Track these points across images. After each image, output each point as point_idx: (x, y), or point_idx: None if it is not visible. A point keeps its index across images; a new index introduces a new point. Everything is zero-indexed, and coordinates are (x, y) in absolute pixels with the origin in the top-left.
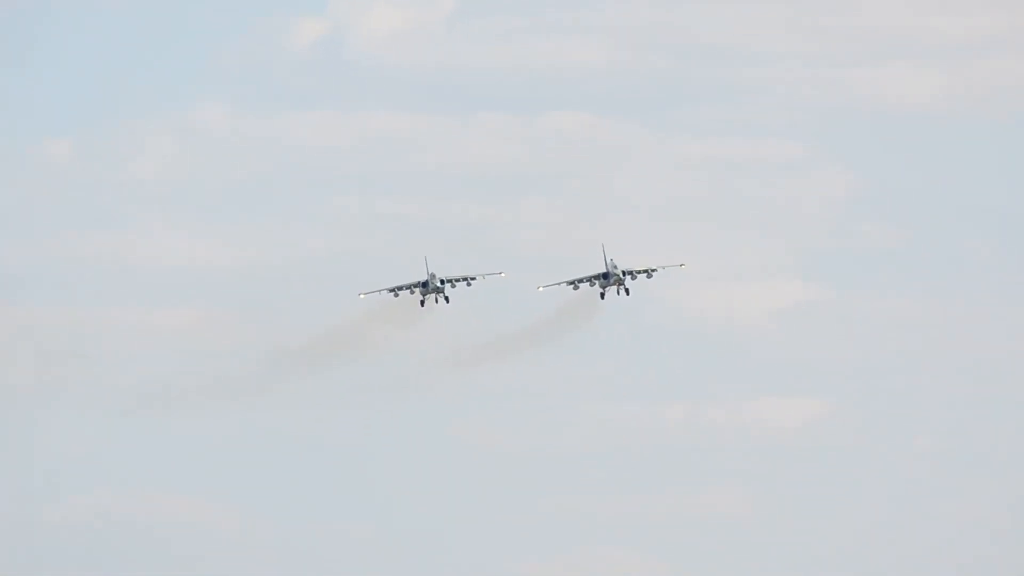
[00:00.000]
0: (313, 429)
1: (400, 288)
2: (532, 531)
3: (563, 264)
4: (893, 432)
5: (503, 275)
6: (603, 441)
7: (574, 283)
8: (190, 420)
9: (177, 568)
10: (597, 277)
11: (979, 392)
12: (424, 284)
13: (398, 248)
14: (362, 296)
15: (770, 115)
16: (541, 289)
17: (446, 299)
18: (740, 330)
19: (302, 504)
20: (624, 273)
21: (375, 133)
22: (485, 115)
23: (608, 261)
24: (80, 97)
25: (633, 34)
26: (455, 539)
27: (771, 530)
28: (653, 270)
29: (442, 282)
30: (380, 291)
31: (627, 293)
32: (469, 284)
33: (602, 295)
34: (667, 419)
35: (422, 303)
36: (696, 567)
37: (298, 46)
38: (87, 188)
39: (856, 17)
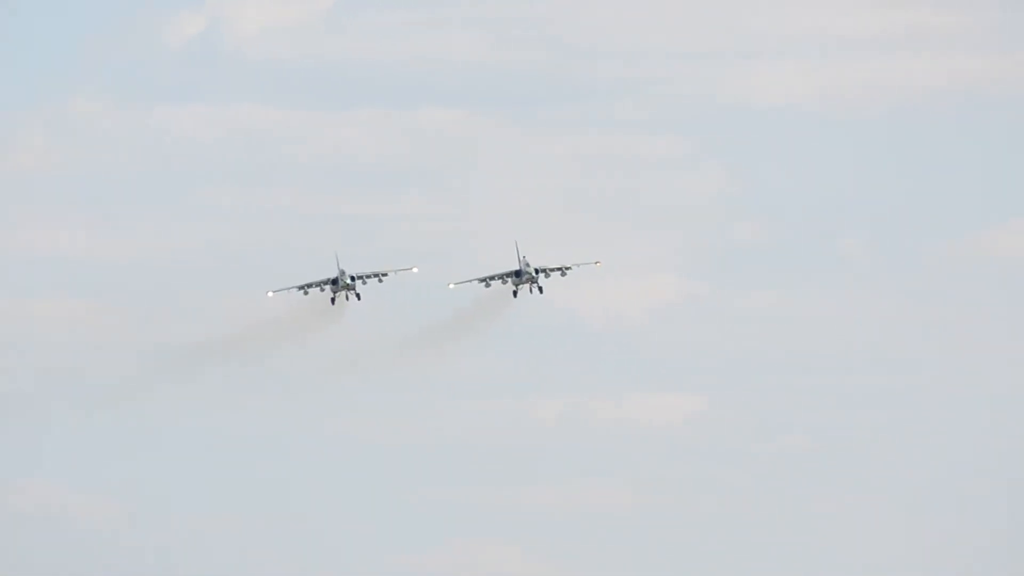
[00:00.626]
0: (207, 426)
1: (310, 285)
2: (414, 524)
3: (458, 260)
4: (769, 428)
5: (415, 271)
6: (491, 437)
7: (486, 280)
8: (83, 415)
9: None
10: (509, 275)
11: (855, 386)
12: (334, 281)
13: (293, 243)
14: (271, 294)
15: (649, 112)
16: (452, 286)
17: (357, 296)
18: (638, 327)
19: (183, 502)
20: (537, 271)
21: (252, 126)
22: (364, 110)
23: (521, 258)
24: None
25: (509, 29)
26: (344, 534)
27: (649, 526)
28: (568, 268)
29: (352, 279)
30: (290, 288)
31: (540, 291)
32: (381, 280)
33: (514, 293)
34: (551, 415)
35: (333, 300)
36: (574, 563)
37: (178, 39)
38: None
39: (734, 14)
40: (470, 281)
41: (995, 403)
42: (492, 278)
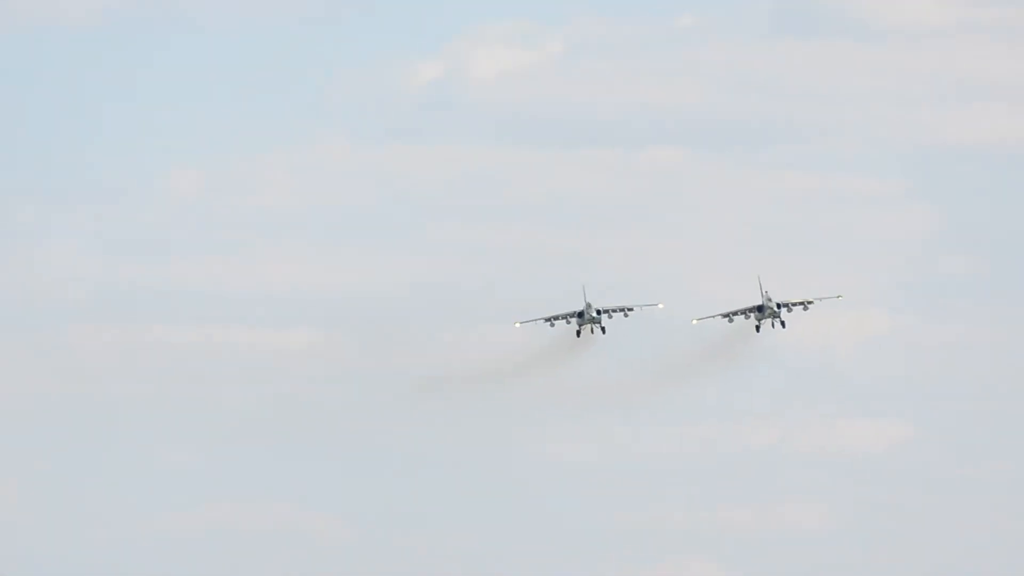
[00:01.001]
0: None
1: (556, 317)
2: (636, 541)
3: (704, 295)
4: (976, 457)
5: (660, 306)
6: (705, 461)
7: (729, 315)
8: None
9: None
10: (752, 309)
11: None
12: (580, 314)
13: (530, 277)
14: (518, 325)
15: (864, 153)
16: (695, 322)
17: (602, 329)
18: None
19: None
20: (779, 305)
21: (486, 166)
22: (587, 151)
23: (763, 293)
24: (207, 130)
25: (729, 75)
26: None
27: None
28: (810, 302)
29: (598, 312)
30: (536, 320)
31: (783, 326)
32: (626, 315)
33: (757, 328)
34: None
35: (578, 333)
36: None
37: (418, 83)
38: (213, 217)
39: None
40: (713, 317)
41: None
42: (735, 313)
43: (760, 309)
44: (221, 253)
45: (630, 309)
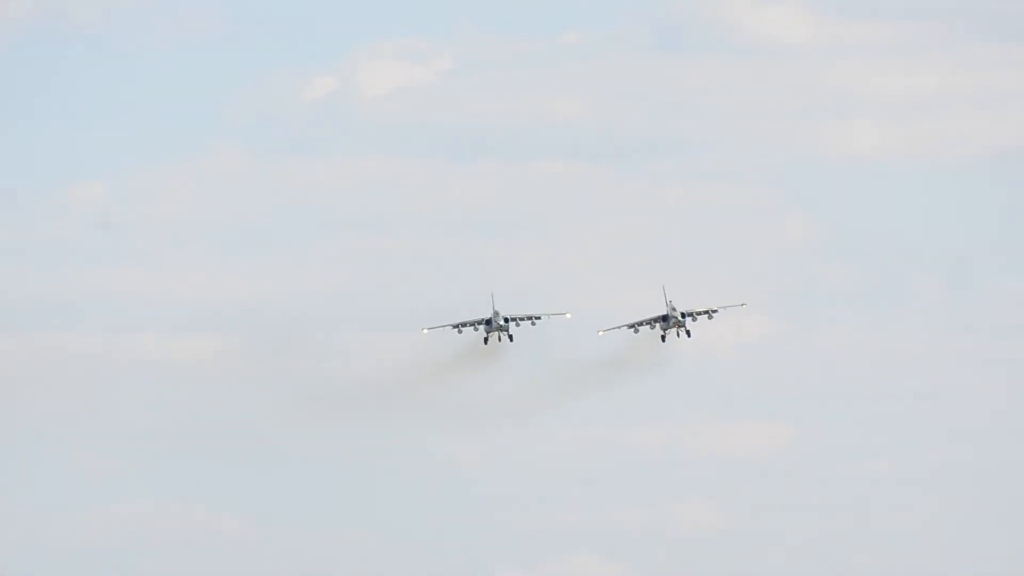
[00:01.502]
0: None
1: (464, 324)
2: (528, 541)
3: (610, 306)
4: (851, 455)
5: (568, 315)
6: (593, 463)
7: (634, 326)
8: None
9: None
10: (657, 319)
11: (930, 416)
12: (488, 321)
13: (425, 285)
14: (425, 331)
15: (745, 164)
16: (601, 333)
17: (510, 337)
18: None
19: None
20: (684, 315)
21: (379, 176)
22: (476, 163)
23: (668, 303)
24: (111, 141)
25: (611, 89)
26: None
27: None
28: (714, 311)
29: (506, 320)
30: (444, 327)
31: (688, 335)
32: (533, 323)
33: (663, 337)
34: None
35: (486, 340)
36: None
37: (313, 97)
38: (116, 225)
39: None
40: (619, 327)
41: None
42: (640, 324)
43: (665, 319)
44: (122, 262)
45: (537, 317)
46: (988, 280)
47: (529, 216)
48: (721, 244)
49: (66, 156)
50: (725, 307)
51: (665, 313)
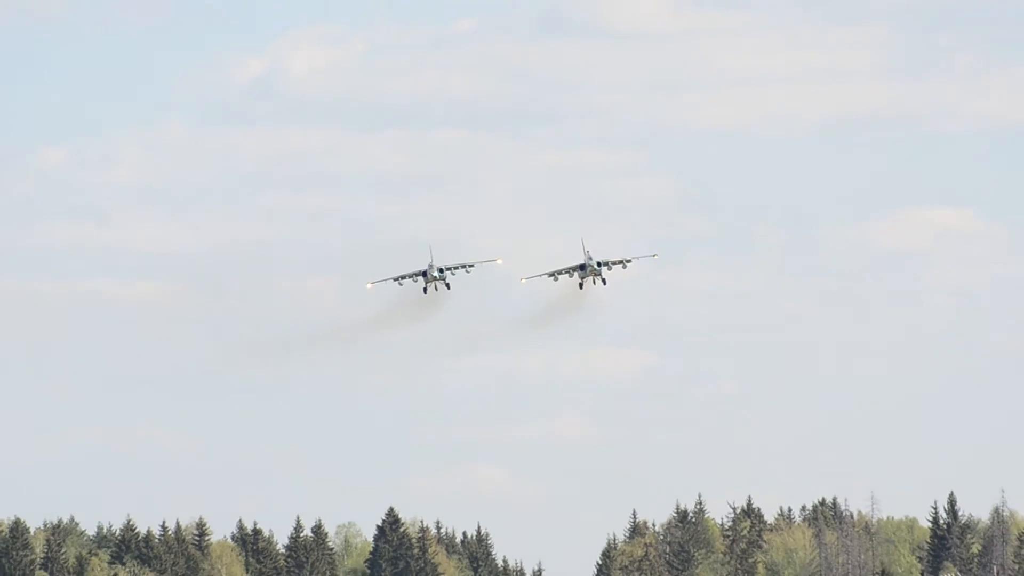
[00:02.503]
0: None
1: (404, 276)
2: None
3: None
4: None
5: (499, 261)
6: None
7: (554, 274)
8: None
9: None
10: (575, 268)
11: (768, 342)
12: (424, 273)
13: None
14: (370, 286)
15: (611, 132)
16: (524, 281)
17: (447, 285)
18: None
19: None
20: (599, 264)
21: (301, 145)
22: (387, 132)
23: (585, 253)
24: (72, 114)
25: (500, 68)
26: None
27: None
28: (628, 260)
29: (441, 271)
30: (386, 280)
31: (604, 283)
32: (468, 271)
33: (580, 285)
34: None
35: (425, 290)
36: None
37: (245, 78)
38: (75, 186)
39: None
40: (540, 276)
41: (869, 355)
42: (560, 272)
43: (582, 268)
44: (82, 218)
45: (471, 265)
46: (823, 230)
47: (435, 178)
48: (593, 200)
49: (32, 126)
50: (638, 257)
51: (582, 262)
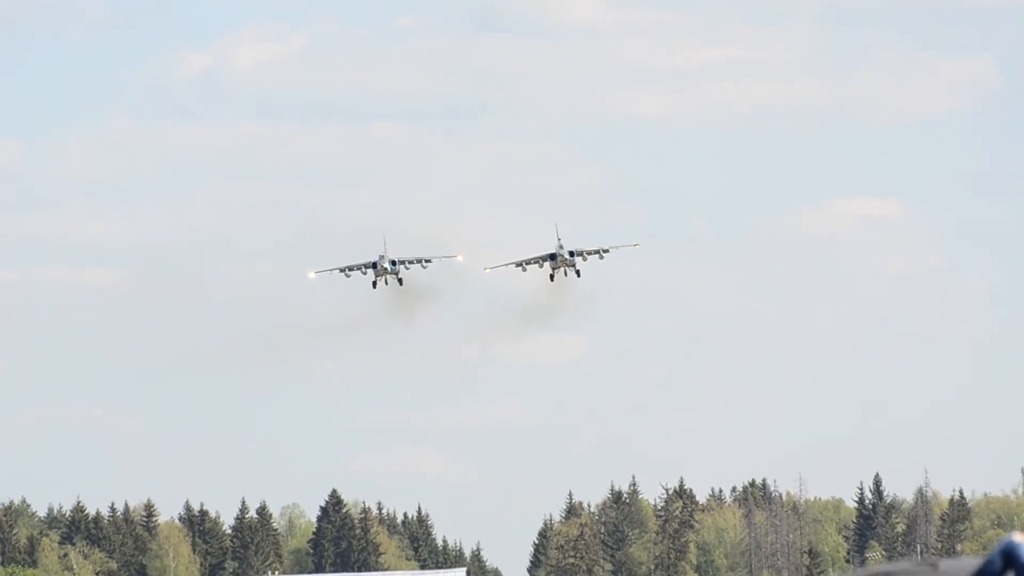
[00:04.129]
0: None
1: (352, 268)
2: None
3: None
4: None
5: (459, 258)
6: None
7: (522, 264)
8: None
9: None
10: (545, 258)
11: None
12: (374, 265)
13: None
14: (312, 275)
15: (546, 126)
16: (488, 271)
17: (399, 280)
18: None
19: None
20: (572, 253)
21: (246, 138)
22: (326, 126)
23: (557, 241)
24: (25, 109)
25: (438, 64)
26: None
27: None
28: (606, 250)
29: (393, 263)
30: (332, 270)
31: (578, 275)
32: (424, 266)
33: (551, 276)
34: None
35: (374, 284)
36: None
37: (189, 72)
38: (31, 179)
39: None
40: (506, 265)
41: (796, 341)
42: (528, 262)
43: (553, 257)
44: (38, 209)
45: (428, 260)
46: (747, 218)
47: (375, 170)
48: (528, 191)
49: None
50: (617, 247)
51: (553, 252)
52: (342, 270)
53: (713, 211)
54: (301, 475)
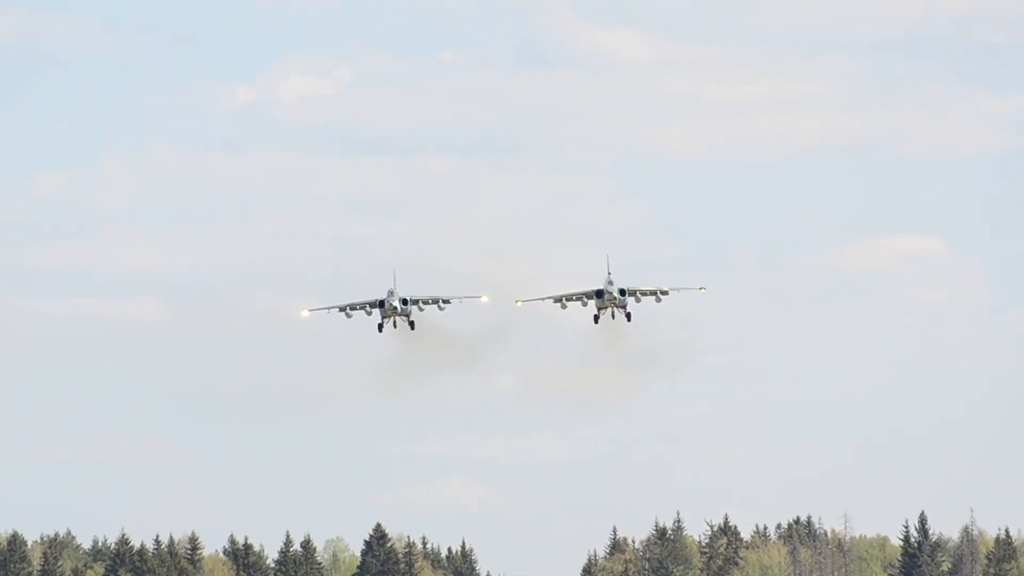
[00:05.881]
0: None
1: (354, 307)
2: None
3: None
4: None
5: (484, 299)
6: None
7: (561, 299)
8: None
9: None
10: (590, 295)
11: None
12: (381, 304)
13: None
14: (306, 313)
15: (587, 159)
16: (519, 304)
17: (410, 324)
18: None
19: None
20: (624, 292)
21: (290, 170)
22: (373, 158)
23: (607, 276)
24: (69, 140)
25: (481, 98)
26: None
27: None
28: (664, 292)
29: (405, 302)
30: (330, 309)
31: (628, 318)
32: (441, 307)
33: (596, 318)
34: None
35: (380, 327)
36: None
37: (235, 105)
38: (73, 210)
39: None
40: (543, 299)
41: (842, 378)
42: (569, 297)
43: (599, 295)
44: (75, 240)
45: (446, 301)
46: (789, 253)
47: (421, 203)
48: (570, 224)
49: (33, 152)
50: (679, 288)
51: (600, 288)
52: (342, 309)
53: (755, 246)
54: (345, 508)
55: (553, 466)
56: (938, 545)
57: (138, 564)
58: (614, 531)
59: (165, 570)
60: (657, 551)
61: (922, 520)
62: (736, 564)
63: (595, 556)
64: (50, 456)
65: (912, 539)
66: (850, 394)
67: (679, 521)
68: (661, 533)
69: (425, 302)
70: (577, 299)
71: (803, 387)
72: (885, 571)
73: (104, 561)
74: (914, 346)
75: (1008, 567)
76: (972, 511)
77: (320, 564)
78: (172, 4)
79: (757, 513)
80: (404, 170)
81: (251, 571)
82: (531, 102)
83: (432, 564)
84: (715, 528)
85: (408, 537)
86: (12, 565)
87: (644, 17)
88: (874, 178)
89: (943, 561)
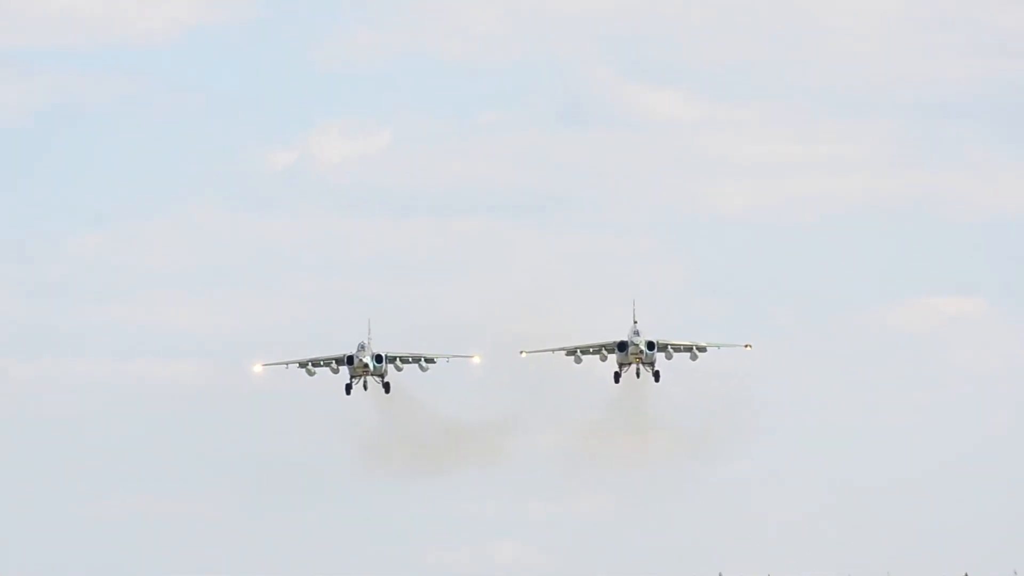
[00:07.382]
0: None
1: (317, 363)
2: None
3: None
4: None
5: (476, 359)
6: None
7: (575, 352)
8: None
9: None
10: (611, 348)
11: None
12: (350, 360)
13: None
14: (258, 368)
15: (632, 219)
16: (524, 355)
17: (384, 386)
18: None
19: None
20: (652, 346)
21: (333, 232)
22: (412, 219)
23: (633, 324)
24: (109, 199)
25: (523, 158)
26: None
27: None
28: (701, 348)
29: (380, 359)
30: (287, 364)
31: (655, 378)
32: (424, 368)
33: (617, 376)
34: None
35: (348, 389)
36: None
37: (276, 165)
38: (111, 271)
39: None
40: (553, 351)
41: (883, 438)
42: (585, 349)
43: (622, 348)
44: (118, 300)
45: (430, 360)
46: (832, 315)
47: (463, 263)
48: (612, 285)
49: (68, 212)
50: (720, 345)
51: (624, 340)
52: (303, 364)
53: (797, 307)
54: (389, 571)
55: (597, 525)
56: None
57: None
58: None
59: None
60: None
61: None
62: None
63: None
64: (90, 514)
65: None
66: (892, 455)
67: None
68: None
69: (404, 360)
70: (595, 352)
71: (844, 448)
72: None
73: None
74: (958, 409)
75: None
76: (1015, 573)
77: None
78: (213, 66)
79: (798, 572)
80: (447, 230)
81: None
82: (572, 161)
83: None
84: None
85: None
86: None
87: (685, 77)
88: (918, 239)
89: None
